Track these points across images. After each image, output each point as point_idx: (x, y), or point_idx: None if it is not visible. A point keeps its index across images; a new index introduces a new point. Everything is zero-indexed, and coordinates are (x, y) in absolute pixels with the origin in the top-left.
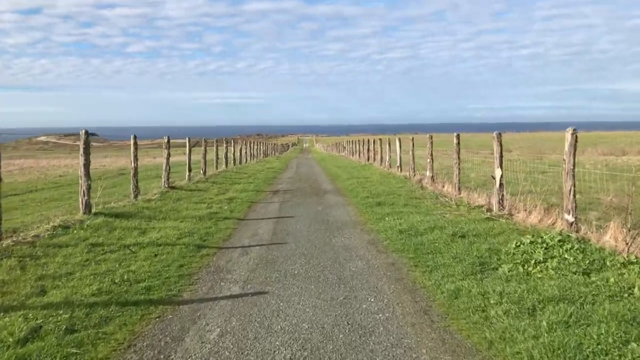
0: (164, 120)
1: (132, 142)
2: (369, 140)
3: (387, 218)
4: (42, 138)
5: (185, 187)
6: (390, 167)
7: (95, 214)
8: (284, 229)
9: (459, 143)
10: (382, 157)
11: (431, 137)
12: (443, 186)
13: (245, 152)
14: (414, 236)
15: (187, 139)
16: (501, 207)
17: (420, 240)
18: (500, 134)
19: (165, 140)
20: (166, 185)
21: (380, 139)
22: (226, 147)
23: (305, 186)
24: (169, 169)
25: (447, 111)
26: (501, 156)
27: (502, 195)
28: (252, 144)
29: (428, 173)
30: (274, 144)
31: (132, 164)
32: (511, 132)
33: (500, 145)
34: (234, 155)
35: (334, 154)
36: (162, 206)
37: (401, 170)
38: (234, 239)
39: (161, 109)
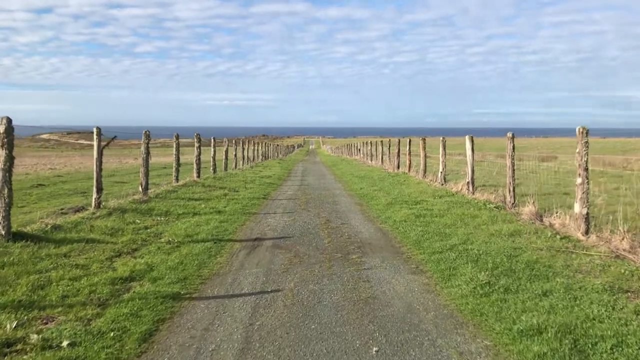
0: (173, 121)
1: None
2: (399, 141)
3: None
4: (45, 135)
5: (57, 233)
6: (444, 182)
7: None
8: None
9: None
10: (425, 165)
11: (585, 131)
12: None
13: (235, 155)
14: None
15: (94, 130)
16: None
17: None
18: None
19: (2, 130)
20: (2, 233)
21: (423, 139)
22: (198, 149)
23: (317, 223)
24: (9, 195)
25: (453, 115)
26: None
27: None
28: (245, 145)
29: (578, 209)
30: (278, 145)
31: None
32: (522, 137)
33: None
34: (213, 159)
35: (346, 158)
36: None
37: (473, 190)
38: None
39: (170, 109)
